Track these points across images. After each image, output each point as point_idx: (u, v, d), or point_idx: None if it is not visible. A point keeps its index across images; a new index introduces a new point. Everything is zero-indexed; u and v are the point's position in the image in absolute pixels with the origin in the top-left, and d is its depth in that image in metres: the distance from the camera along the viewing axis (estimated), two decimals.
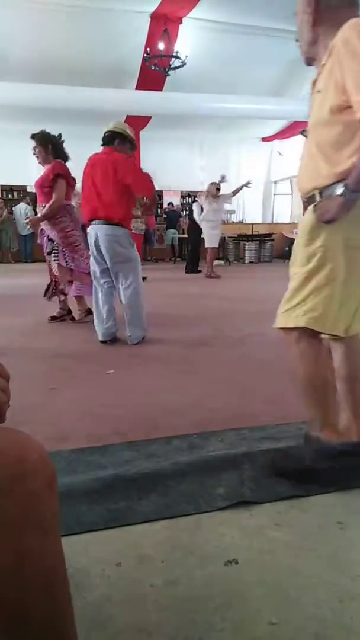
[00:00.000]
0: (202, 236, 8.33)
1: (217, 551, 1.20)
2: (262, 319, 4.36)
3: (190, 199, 13.80)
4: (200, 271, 8.86)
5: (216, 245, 8.21)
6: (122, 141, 3.35)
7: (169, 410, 2.16)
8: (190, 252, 9.25)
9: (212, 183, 7.82)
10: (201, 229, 8.31)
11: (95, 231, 3.27)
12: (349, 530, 1.28)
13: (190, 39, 8.46)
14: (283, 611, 1.01)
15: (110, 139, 3.35)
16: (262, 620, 0.99)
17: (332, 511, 1.37)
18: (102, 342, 3.42)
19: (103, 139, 3.36)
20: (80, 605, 0.99)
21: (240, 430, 1.90)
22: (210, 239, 8.02)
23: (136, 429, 1.93)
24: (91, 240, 3.32)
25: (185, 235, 12.29)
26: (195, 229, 8.64)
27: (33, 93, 8.59)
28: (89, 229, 3.33)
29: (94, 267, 3.40)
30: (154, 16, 8.11)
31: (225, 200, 7.87)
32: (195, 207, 8.60)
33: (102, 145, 3.37)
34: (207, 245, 8.08)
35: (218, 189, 7.82)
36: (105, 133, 3.37)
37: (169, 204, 12.79)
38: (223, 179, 7.77)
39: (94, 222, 3.28)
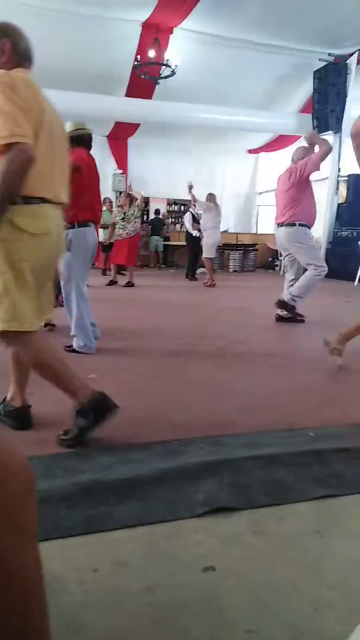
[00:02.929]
0: (201, 244, 8.48)
1: (195, 558, 1.20)
2: (244, 328, 4.40)
3: (176, 206, 13.90)
4: (196, 279, 9.01)
5: (211, 255, 8.27)
6: None
7: (150, 415, 2.15)
8: (188, 260, 9.47)
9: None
10: (196, 237, 8.60)
11: (92, 234, 3.28)
12: (326, 538, 1.29)
13: (180, 50, 8.53)
14: (259, 619, 1.01)
15: (90, 141, 3.33)
16: (239, 628, 0.99)
17: (309, 519, 1.38)
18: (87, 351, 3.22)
19: (85, 140, 3.27)
20: (55, 612, 0.97)
21: (221, 437, 1.90)
22: (205, 249, 8.18)
23: (116, 434, 1.91)
24: (90, 241, 3.24)
25: (171, 243, 12.46)
26: (190, 239, 8.89)
27: None
28: (84, 230, 3.18)
29: (83, 272, 3.26)
30: (146, 25, 8.17)
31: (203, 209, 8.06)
32: (186, 219, 8.78)
33: (84, 147, 3.26)
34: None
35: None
36: (84, 135, 3.28)
37: (156, 210, 12.83)
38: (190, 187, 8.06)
39: (91, 224, 3.26)
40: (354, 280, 8.54)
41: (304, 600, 1.06)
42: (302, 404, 2.39)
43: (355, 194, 10.39)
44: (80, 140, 3.25)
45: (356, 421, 2.13)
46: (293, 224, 4.30)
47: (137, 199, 7.70)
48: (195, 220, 8.67)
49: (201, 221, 8.34)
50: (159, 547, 1.24)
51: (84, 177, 3.14)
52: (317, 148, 4.31)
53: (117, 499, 1.42)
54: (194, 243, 8.85)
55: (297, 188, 4.29)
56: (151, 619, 1.00)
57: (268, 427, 2.03)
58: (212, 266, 8.32)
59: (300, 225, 4.29)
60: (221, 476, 1.56)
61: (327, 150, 4.19)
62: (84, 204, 3.13)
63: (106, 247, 8.13)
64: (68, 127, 3.30)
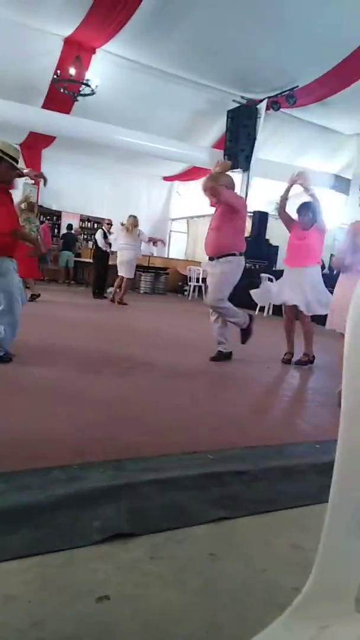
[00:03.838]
0: (109, 263, 8.62)
1: (89, 587, 1.16)
2: (152, 349, 4.43)
3: (89, 223, 13.78)
4: (105, 297, 8.94)
5: (127, 276, 8.32)
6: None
7: (50, 438, 2.07)
8: (96, 278, 9.33)
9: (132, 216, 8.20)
10: (107, 254, 8.71)
11: None
12: (219, 560, 1.33)
13: (102, 71, 8.60)
14: None
15: None
16: None
17: (205, 542, 1.41)
18: None
19: None
20: None
21: (121, 461, 1.88)
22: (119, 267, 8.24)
23: (11, 458, 1.81)
24: None
25: (82, 259, 12.24)
26: (100, 256, 8.83)
27: None
28: None
29: None
30: (68, 41, 8.14)
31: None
32: (98, 235, 8.74)
33: None
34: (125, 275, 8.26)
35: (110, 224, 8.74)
36: None
37: (69, 225, 12.58)
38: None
39: None
40: (255, 309, 9.07)
41: (197, 623, 1.08)
42: (206, 425, 2.45)
43: (260, 230, 11.12)
44: None
45: (255, 443, 2.23)
46: None
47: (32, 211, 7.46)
48: (107, 237, 8.71)
49: (114, 239, 8.47)
50: (51, 578, 1.18)
51: None
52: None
53: (7, 528, 1.33)
54: (103, 259, 8.83)
55: None
56: None
57: (172, 450, 2.05)
58: (127, 286, 8.39)
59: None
60: (120, 501, 1.54)
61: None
62: None
63: None
64: None
